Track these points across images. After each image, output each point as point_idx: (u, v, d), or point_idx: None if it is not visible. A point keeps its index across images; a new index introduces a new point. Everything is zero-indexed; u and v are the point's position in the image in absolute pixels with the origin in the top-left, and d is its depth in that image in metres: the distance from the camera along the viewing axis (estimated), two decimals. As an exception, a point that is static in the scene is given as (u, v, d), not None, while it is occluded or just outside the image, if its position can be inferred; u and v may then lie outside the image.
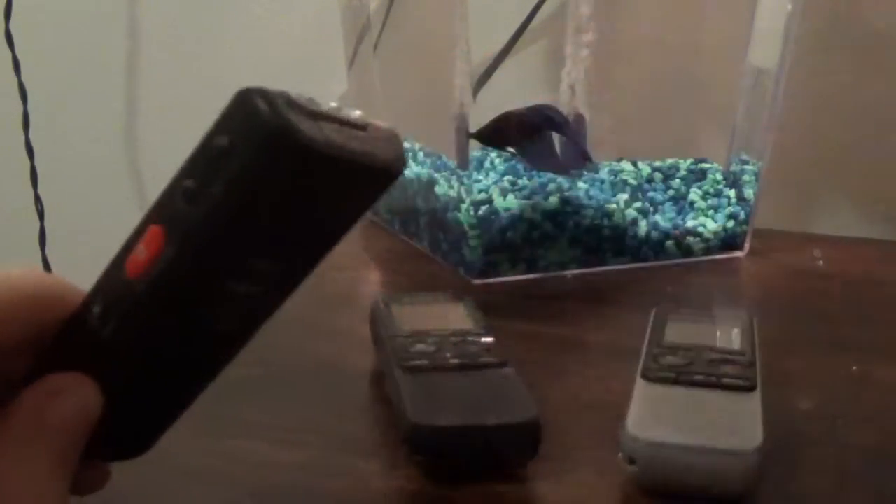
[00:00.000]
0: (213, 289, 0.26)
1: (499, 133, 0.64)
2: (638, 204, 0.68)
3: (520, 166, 0.68)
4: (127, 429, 0.29)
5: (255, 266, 0.26)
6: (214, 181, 0.25)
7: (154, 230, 0.26)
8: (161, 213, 0.26)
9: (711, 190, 0.71)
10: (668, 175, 0.72)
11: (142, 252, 0.26)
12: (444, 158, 0.68)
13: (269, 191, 0.25)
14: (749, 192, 0.71)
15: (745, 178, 0.72)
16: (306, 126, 0.24)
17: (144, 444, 0.31)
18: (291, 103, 0.24)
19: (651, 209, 0.69)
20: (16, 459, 0.26)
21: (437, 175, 0.68)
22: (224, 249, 0.26)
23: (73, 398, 0.27)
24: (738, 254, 0.71)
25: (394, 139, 0.26)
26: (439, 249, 0.69)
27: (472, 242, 0.64)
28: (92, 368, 0.28)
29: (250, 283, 0.27)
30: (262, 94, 0.24)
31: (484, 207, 0.64)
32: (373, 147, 0.25)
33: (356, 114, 0.26)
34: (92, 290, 0.28)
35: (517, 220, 0.64)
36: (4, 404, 0.27)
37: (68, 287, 0.29)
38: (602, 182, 0.69)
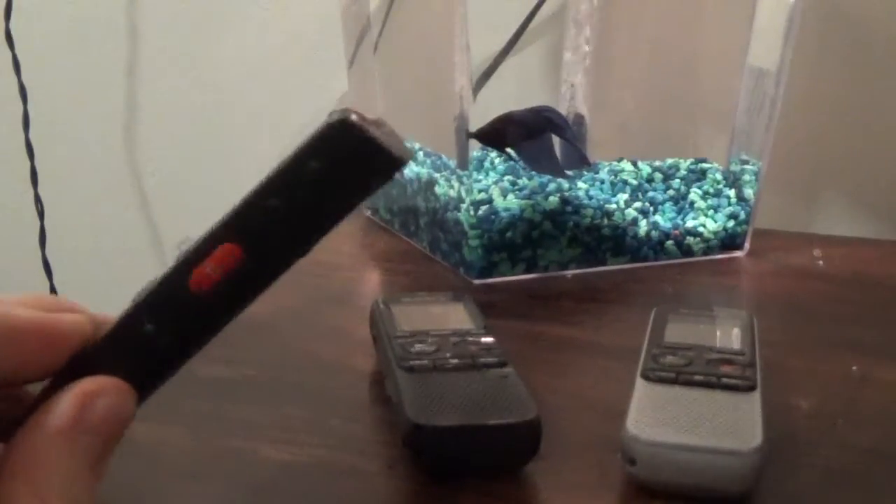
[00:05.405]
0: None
1: (498, 133, 0.64)
2: (638, 204, 0.68)
3: (520, 166, 0.68)
4: None
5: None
6: (305, 195, 0.27)
7: (229, 248, 0.28)
8: (236, 230, 0.28)
9: (711, 190, 0.71)
10: (668, 175, 0.72)
11: (213, 269, 0.28)
12: (444, 158, 0.68)
13: (349, 189, 0.28)
14: (749, 192, 0.71)
15: (745, 178, 0.72)
16: (371, 127, 0.27)
17: None
18: (361, 116, 0.27)
19: (651, 209, 0.69)
20: (52, 454, 0.26)
21: (437, 175, 0.68)
22: (301, 252, 0.28)
23: (113, 399, 0.28)
24: (738, 254, 0.71)
25: (395, 133, 0.29)
26: (439, 249, 0.69)
27: (472, 242, 0.64)
28: (127, 376, 0.29)
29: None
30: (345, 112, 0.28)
31: (484, 207, 0.64)
32: (393, 141, 0.28)
33: (374, 116, 0.29)
34: (140, 307, 0.29)
35: (517, 219, 0.64)
36: None
37: (57, 329, 0.29)
38: (602, 182, 0.69)
